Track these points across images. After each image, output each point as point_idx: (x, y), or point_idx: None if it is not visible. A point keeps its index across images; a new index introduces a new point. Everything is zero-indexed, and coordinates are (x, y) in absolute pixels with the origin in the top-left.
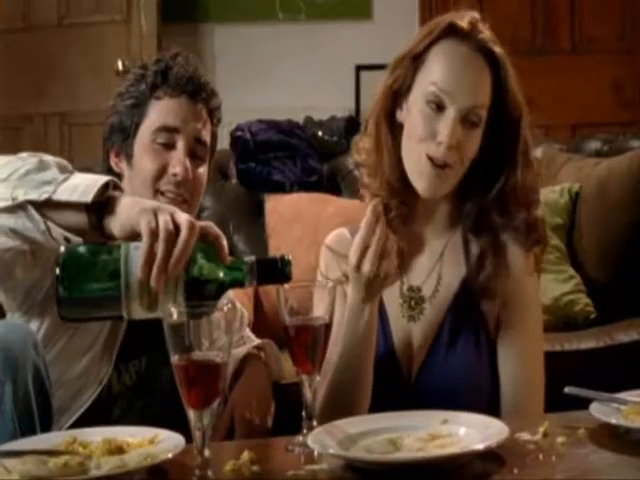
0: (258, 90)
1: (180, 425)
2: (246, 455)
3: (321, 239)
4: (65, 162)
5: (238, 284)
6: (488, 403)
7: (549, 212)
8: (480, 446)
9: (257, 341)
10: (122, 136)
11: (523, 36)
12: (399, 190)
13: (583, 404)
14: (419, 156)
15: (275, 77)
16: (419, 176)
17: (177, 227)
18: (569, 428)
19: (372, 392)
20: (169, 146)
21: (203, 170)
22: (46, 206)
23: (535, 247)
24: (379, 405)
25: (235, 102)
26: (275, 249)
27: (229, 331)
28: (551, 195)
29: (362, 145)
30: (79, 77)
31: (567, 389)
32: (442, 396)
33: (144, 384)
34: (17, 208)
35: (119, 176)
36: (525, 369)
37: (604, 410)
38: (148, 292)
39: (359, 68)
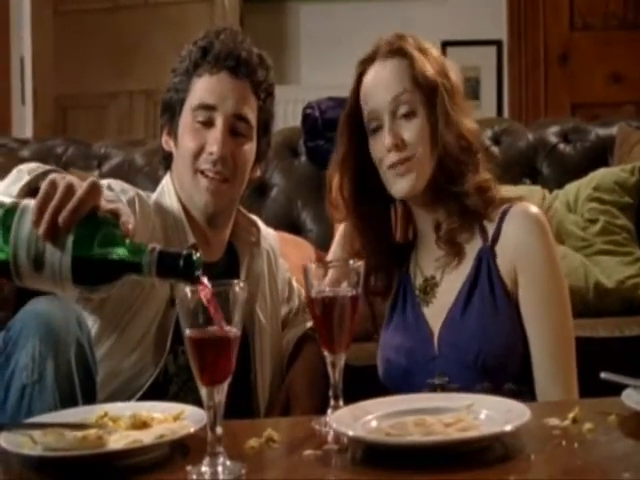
0: (343, 68)
1: (232, 400)
2: (268, 433)
3: None
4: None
5: (136, 268)
6: (521, 359)
7: (619, 191)
8: (497, 430)
9: None
10: (170, 114)
11: (614, 10)
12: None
13: None
14: (386, 172)
15: (360, 54)
16: (393, 188)
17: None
18: (600, 414)
19: (404, 371)
20: (208, 124)
21: (248, 147)
22: None
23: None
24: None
25: (320, 80)
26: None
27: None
28: (621, 174)
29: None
30: (164, 55)
31: (603, 374)
32: (464, 360)
33: None
34: None
35: (170, 155)
36: (550, 335)
37: (637, 397)
38: (36, 243)
39: (445, 44)
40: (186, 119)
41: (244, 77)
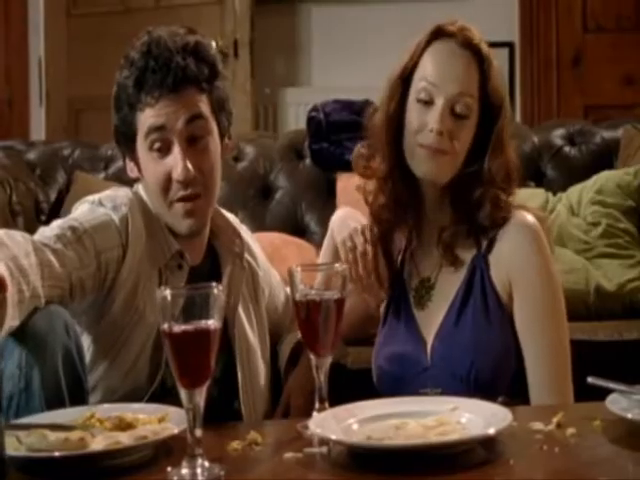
0: (355, 70)
1: (229, 409)
2: (251, 435)
3: None
4: None
5: None
6: (514, 372)
7: (621, 194)
8: (476, 434)
9: None
10: (124, 146)
11: (626, 12)
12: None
13: None
14: (414, 147)
15: (372, 56)
16: (418, 165)
17: None
18: (585, 419)
19: (396, 380)
20: (165, 150)
21: (211, 146)
22: None
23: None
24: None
25: (331, 82)
26: None
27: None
28: (625, 177)
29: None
30: None
31: (590, 379)
32: (456, 372)
33: None
34: None
35: (135, 181)
36: (545, 350)
37: (623, 402)
38: None
39: None
40: (143, 150)
41: (186, 87)
